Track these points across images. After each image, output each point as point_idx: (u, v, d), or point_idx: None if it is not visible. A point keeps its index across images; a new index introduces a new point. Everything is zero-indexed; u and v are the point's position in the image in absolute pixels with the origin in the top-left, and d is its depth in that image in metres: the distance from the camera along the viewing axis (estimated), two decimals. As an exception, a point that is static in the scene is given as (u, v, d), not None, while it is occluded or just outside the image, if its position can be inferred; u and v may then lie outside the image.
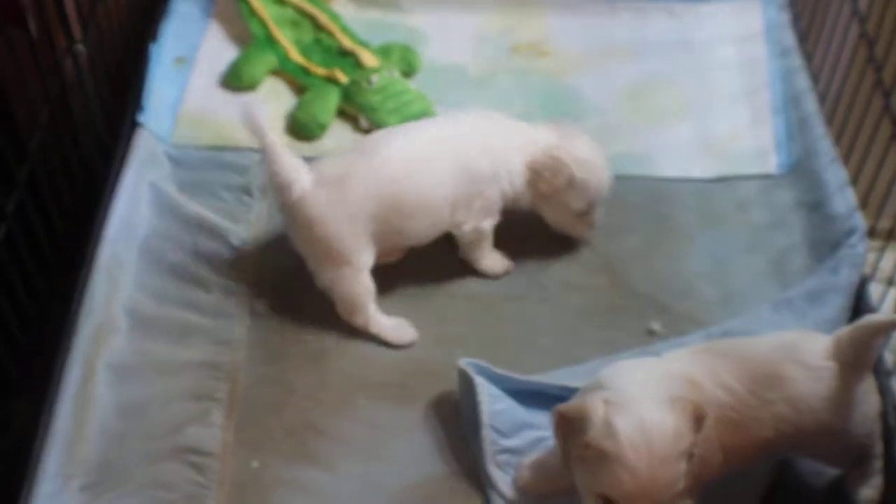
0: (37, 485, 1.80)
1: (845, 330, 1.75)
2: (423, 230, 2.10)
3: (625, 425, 1.54)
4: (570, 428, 1.58)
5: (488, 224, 2.13)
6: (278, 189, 2.02)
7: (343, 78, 2.44)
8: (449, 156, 2.07)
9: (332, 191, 2.01)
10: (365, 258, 2.06)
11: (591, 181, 2.13)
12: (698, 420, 1.57)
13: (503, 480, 1.83)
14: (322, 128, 2.40)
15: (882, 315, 1.72)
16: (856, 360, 1.72)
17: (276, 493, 1.84)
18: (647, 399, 1.57)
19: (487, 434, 1.85)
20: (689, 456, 1.56)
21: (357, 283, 2.05)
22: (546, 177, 2.11)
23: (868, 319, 1.72)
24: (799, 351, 1.73)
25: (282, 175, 2.00)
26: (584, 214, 2.16)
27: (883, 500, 1.82)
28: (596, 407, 1.56)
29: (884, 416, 1.91)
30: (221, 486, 1.84)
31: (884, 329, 1.73)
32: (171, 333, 2.04)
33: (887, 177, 2.12)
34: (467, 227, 2.11)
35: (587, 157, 2.13)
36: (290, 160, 2.02)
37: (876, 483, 1.79)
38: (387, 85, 2.42)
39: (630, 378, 1.63)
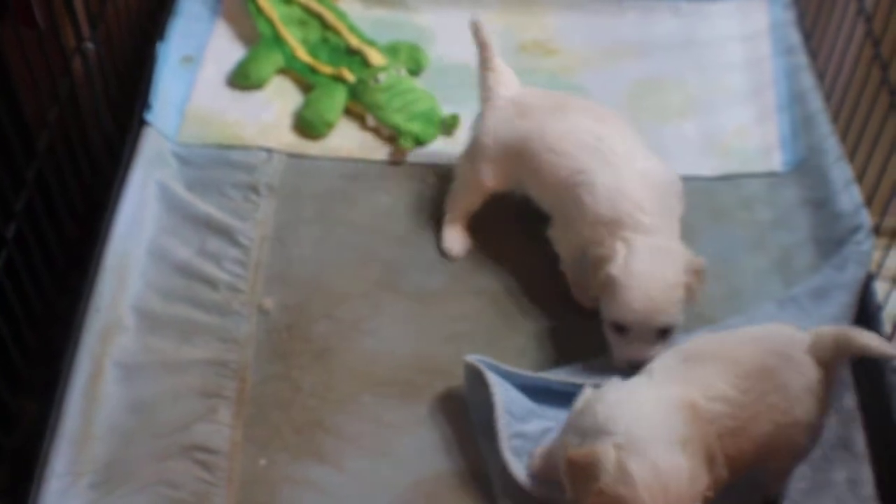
0: (45, 482, 1.82)
1: (829, 331, 1.74)
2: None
3: (640, 471, 1.54)
4: (583, 475, 1.58)
5: None
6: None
7: (350, 76, 2.45)
8: None
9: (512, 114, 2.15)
10: (492, 184, 2.17)
11: (628, 295, 1.91)
12: (711, 461, 1.58)
13: (517, 466, 1.82)
14: (329, 126, 2.41)
15: (873, 340, 1.71)
16: (831, 361, 1.73)
17: (283, 491, 1.85)
18: (658, 441, 1.56)
19: (502, 416, 1.85)
20: (705, 499, 1.56)
21: (472, 194, 2.20)
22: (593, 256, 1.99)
23: (858, 336, 1.71)
24: (781, 343, 1.73)
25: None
26: (619, 335, 1.95)
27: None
28: (608, 453, 1.56)
29: (890, 414, 1.94)
30: (229, 484, 1.85)
31: (868, 352, 1.72)
32: (179, 331, 2.05)
33: (893, 174, 2.13)
34: None
35: (643, 269, 1.92)
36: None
37: None
38: (394, 83, 2.43)
39: (635, 417, 1.60)
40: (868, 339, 1.71)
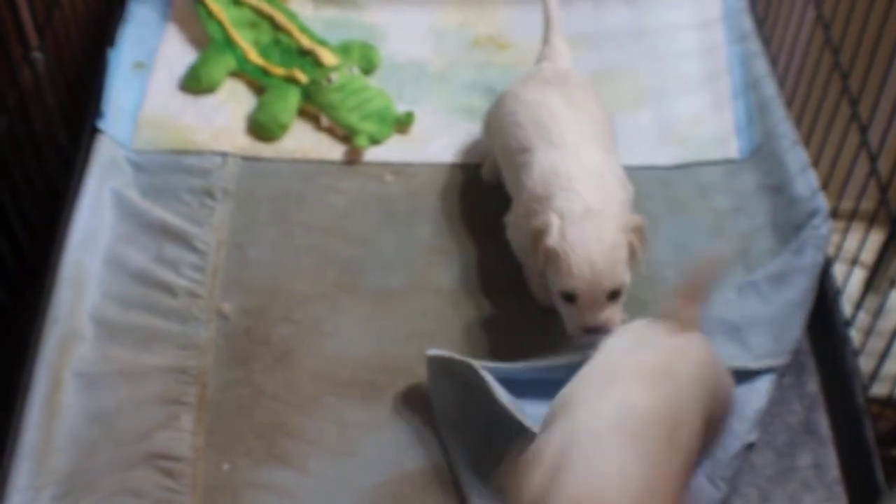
0: (7, 497, 1.80)
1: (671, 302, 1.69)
2: None
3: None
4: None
5: None
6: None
7: (303, 77, 2.44)
8: None
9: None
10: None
11: (571, 264, 1.90)
12: None
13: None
14: (283, 128, 2.40)
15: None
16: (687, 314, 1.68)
17: (247, 496, 1.84)
18: None
19: (488, 377, 1.85)
20: None
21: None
22: (533, 236, 1.98)
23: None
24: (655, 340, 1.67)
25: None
26: (569, 304, 1.93)
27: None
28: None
29: (853, 397, 1.95)
30: (193, 491, 1.84)
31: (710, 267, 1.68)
32: (138, 339, 2.03)
33: (848, 157, 2.14)
34: None
35: (581, 236, 1.91)
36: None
37: None
38: (346, 83, 2.42)
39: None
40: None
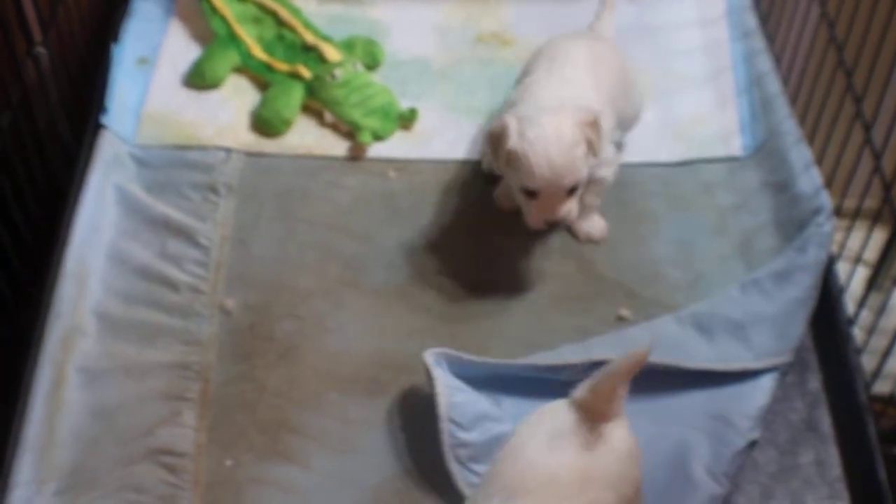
0: (10, 491, 1.80)
1: (582, 387, 1.62)
2: None
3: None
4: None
5: None
6: None
7: (306, 73, 2.44)
8: None
9: None
10: None
11: (531, 163, 1.99)
12: None
13: (461, 476, 1.82)
14: (286, 123, 2.40)
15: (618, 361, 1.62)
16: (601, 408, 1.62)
17: (250, 491, 1.84)
18: None
19: (445, 427, 1.84)
20: None
21: None
22: (492, 139, 2.05)
23: (605, 370, 1.60)
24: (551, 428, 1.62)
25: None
26: (530, 200, 2.04)
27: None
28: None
29: (855, 395, 1.95)
30: (195, 487, 1.84)
31: (622, 373, 1.60)
32: (141, 335, 2.03)
33: (852, 156, 2.14)
34: None
35: (539, 135, 1.99)
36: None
37: None
38: (350, 79, 2.42)
39: None
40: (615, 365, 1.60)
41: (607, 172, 2.16)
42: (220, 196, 2.26)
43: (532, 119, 2.00)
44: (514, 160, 2.00)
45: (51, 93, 2.35)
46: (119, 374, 1.98)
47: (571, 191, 2.01)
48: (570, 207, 2.03)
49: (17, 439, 1.86)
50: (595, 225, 2.21)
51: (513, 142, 1.99)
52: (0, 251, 2.10)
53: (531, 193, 2.01)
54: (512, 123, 2.00)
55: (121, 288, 2.10)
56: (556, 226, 2.05)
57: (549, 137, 1.98)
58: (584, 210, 2.16)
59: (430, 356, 1.90)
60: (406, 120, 2.41)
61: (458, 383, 1.89)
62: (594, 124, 2.01)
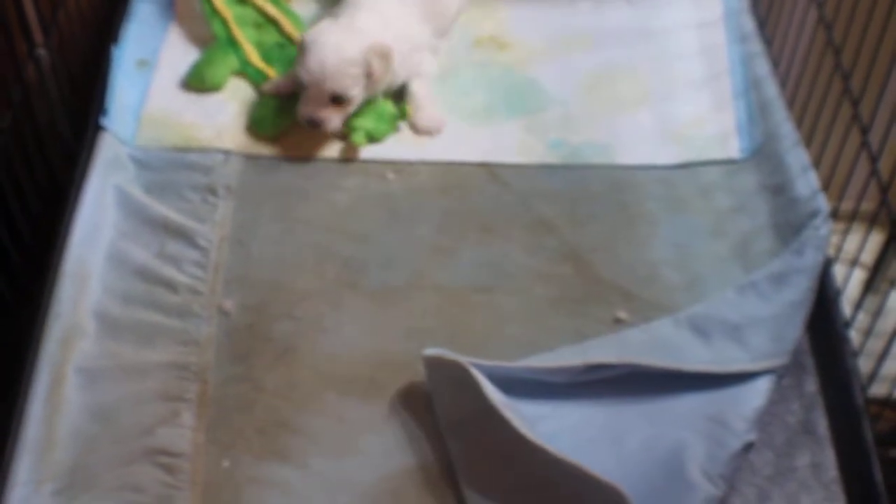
0: (8, 491, 1.80)
1: None
2: None
3: None
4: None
5: None
6: None
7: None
8: None
9: None
10: None
11: (307, 58, 2.28)
12: None
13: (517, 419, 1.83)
14: (278, 126, 2.40)
15: None
16: None
17: (248, 492, 1.84)
18: None
19: (510, 415, 1.84)
20: None
21: None
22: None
23: None
24: None
25: None
26: (302, 93, 2.32)
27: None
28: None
29: (852, 397, 1.95)
30: (193, 487, 1.84)
31: None
32: (139, 335, 2.03)
33: (849, 158, 2.14)
34: None
35: (327, 41, 2.27)
36: None
37: None
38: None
39: None
40: None
41: (430, 67, 2.48)
42: (218, 197, 2.27)
43: (333, 28, 2.30)
44: (300, 50, 2.31)
45: (51, 94, 2.36)
46: (118, 375, 1.98)
47: (337, 102, 2.29)
48: (331, 117, 2.30)
49: (16, 439, 1.86)
50: (432, 117, 2.42)
51: (309, 36, 2.30)
52: (1, 251, 2.10)
53: (302, 87, 2.30)
54: (323, 24, 2.33)
55: (120, 288, 2.11)
56: (317, 128, 2.32)
57: (332, 45, 2.26)
58: (418, 105, 2.42)
59: (432, 354, 1.92)
60: (401, 117, 2.41)
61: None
62: (385, 56, 2.28)
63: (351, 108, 2.32)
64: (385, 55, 2.29)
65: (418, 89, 2.43)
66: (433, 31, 2.49)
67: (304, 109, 2.31)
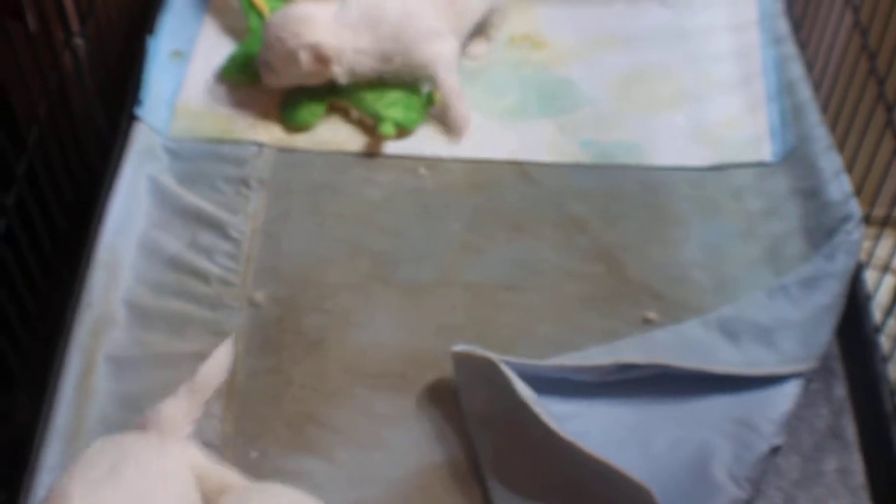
0: (38, 476, 1.81)
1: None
2: None
3: None
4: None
5: None
6: None
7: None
8: None
9: None
10: None
11: (268, 30, 2.35)
12: None
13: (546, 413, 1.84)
14: (309, 121, 2.40)
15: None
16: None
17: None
18: None
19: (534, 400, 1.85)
20: None
21: None
22: None
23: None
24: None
25: None
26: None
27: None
28: None
29: (881, 403, 1.95)
30: (221, 477, 1.85)
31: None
32: (170, 325, 2.05)
33: (882, 164, 2.14)
34: None
35: (286, 16, 2.34)
36: None
37: None
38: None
39: None
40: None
41: (452, 56, 2.42)
42: (251, 189, 2.28)
43: (295, 16, 2.34)
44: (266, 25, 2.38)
45: (87, 83, 2.37)
46: (148, 364, 1.99)
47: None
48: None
49: (46, 426, 1.88)
50: (457, 116, 2.40)
51: (276, 17, 2.36)
52: (34, 238, 2.12)
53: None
54: (309, 6, 2.35)
55: (151, 278, 2.12)
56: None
57: (285, 27, 2.32)
58: (447, 103, 2.40)
59: (461, 351, 1.92)
60: (429, 104, 2.42)
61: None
62: (318, 51, 2.30)
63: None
64: (319, 51, 2.31)
65: (445, 79, 2.39)
66: (451, 28, 2.44)
67: (266, 77, 2.40)
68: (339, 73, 2.35)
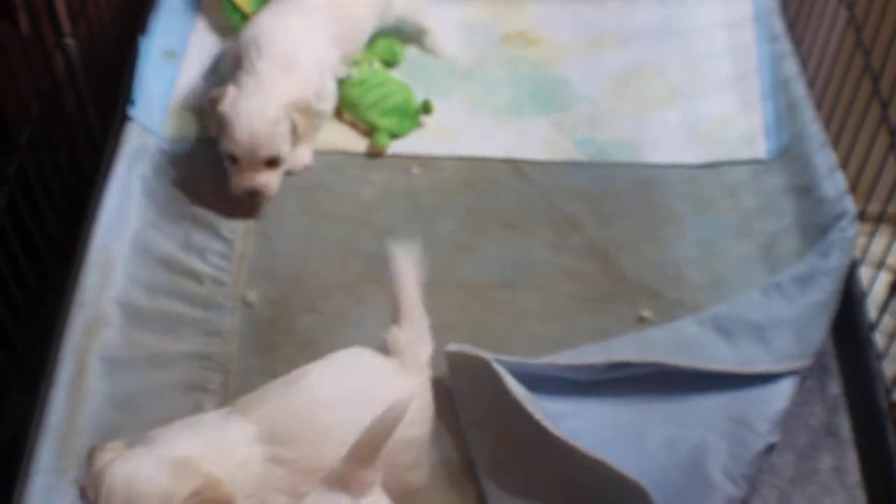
0: (31, 478, 1.81)
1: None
2: None
3: None
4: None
5: None
6: None
7: None
8: None
9: None
10: None
11: (234, 130, 2.17)
12: None
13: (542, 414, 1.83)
14: None
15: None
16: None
17: (268, 483, 1.85)
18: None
19: (532, 407, 1.84)
20: None
21: None
22: (211, 102, 2.24)
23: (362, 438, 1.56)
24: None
25: None
26: (234, 166, 2.21)
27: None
28: None
29: (876, 400, 1.94)
30: (214, 477, 1.84)
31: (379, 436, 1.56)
32: (163, 325, 2.05)
33: (876, 160, 2.13)
34: None
35: (248, 106, 2.18)
36: None
37: None
38: (367, 78, 2.42)
39: None
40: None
41: (327, 106, 2.35)
42: (244, 189, 2.27)
43: (246, 90, 2.20)
44: (222, 124, 2.19)
45: (79, 83, 2.37)
46: (141, 364, 1.99)
47: (272, 164, 2.20)
48: (269, 180, 2.20)
49: (39, 427, 1.87)
50: (301, 156, 2.31)
51: (224, 107, 2.18)
52: (26, 239, 2.11)
53: (234, 160, 2.19)
54: (231, 91, 2.19)
55: (144, 278, 2.12)
56: (257, 196, 2.20)
57: (255, 110, 2.17)
58: (298, 143, 2.27)
59: (454, 350, 1.92)
60: (424, 112, 2.41)
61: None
62: (306, 109, 2.22)
63: (284, 166, 2.24)
64: (305, 108, 2.22)
65: (309, 129, 2.30)
66: (342, 55, 2.40)
67: (241, 182, 2.20)
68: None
